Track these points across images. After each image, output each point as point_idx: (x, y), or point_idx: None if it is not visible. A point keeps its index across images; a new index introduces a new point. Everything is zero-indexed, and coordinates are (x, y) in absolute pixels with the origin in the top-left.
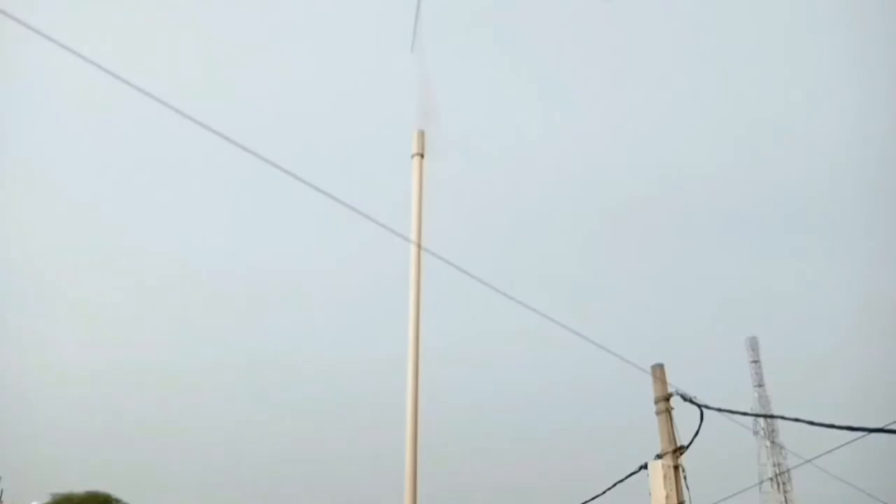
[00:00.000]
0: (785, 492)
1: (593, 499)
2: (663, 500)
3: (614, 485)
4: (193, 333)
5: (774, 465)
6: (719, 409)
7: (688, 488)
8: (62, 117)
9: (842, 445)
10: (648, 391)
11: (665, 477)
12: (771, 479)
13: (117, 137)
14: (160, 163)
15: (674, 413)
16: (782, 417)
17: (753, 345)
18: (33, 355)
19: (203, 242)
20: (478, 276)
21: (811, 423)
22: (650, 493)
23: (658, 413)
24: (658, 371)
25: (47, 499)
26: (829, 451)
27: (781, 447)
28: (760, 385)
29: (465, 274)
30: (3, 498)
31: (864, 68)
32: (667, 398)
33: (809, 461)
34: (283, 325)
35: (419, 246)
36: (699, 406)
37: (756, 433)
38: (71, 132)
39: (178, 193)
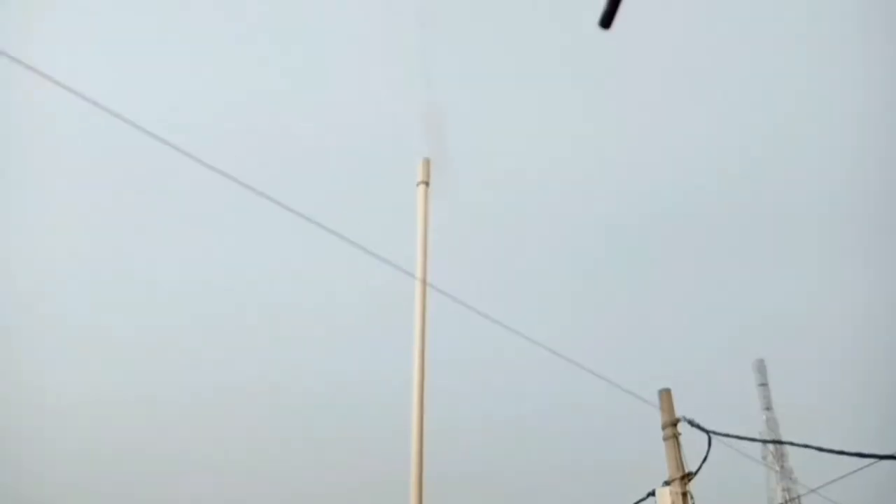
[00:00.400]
0: None
1: None
2: None
3: None
4: (194, 360)
5: (784, 491)
6: (727, 435)
7: None
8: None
9: (852, 472)
10: (656, 417)
11: None
12: None
13: (117, 169)
14: (167, 198)
15: (681, 439)
16: (791, 443)
17: (761, 368)
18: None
19: (207, 275)
20: (485, 313)
21: (820, 449)
22: None
23: (665, 439)
24: (665, 396)
25: None
26: (838, 479)
27: (791, 472)
28: (769, 408)
29: (471, 309)
30: None
31: (876, 86)
32: (674, 423)
33: (815, 490)
34: (283, 355)
35: (424, 282)
36: (707, 432)
37: (765, 458)
38: (61, 158)
39: (185, 225)
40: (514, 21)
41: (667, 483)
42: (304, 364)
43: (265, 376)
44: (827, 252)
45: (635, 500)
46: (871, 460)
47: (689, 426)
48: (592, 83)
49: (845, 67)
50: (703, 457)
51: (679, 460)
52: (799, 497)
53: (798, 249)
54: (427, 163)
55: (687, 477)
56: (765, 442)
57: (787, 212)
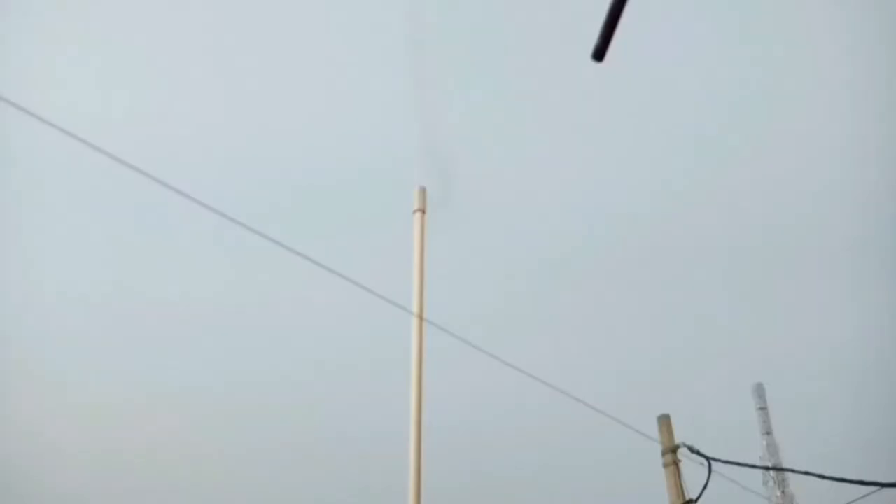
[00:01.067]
0: None
1: None
2: None
3: None
4: (183, 394)
5: None
6: (727, 462)
7: None
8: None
9: (855, 501)
10: (655, 444)
11: None
12: None
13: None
14: (154, 231)
15: (681, 465)
16: (792, 470)
17: (760, 391)
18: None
19: (194, 311)
20: (481, 346)
21: (822, 476)
22: None
23: (665, 465)
24: (664, 422)
25: None
26: None
27: (792, 498)
28: (769, 433)
29: (468, 343)
30: None
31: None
32: (674, 450)
33: None
34: (274, 392)
35: (420, 317)
36: (707, 458)
37: (766, 483)
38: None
39: (173, 261)
40: (516, 49)
41: None
42: (296, 398)
43: (255, 412)
44: (826, 276)
45: None
46: (873, 488)
47: (688, 452)
48: (596, 114)
49: (823, 92)
50: (703, 484)
51: (679, 487)
52: None
53: (797, 274)
54: (423, 191)
55: None
56: (765, 469)
57: (786, 236)
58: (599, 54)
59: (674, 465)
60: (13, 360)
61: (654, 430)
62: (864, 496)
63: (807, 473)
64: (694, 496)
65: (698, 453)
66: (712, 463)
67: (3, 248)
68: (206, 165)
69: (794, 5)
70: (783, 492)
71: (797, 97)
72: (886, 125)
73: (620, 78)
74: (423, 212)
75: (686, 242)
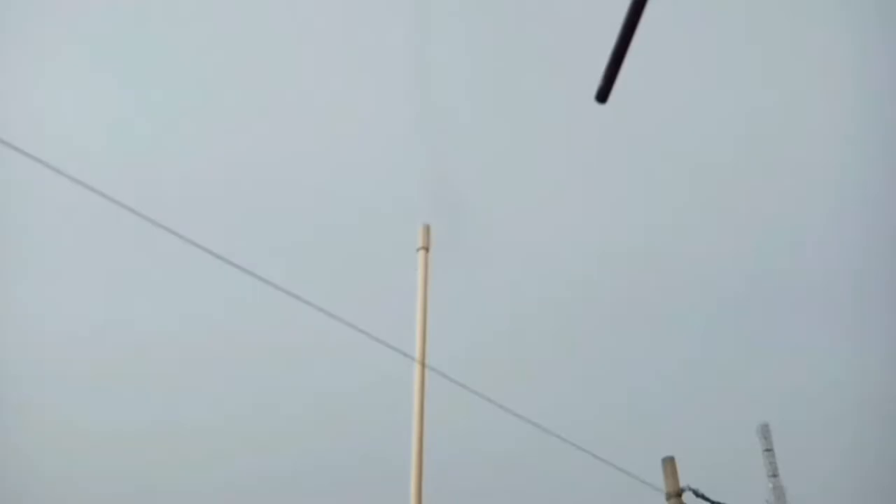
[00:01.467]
0: None
1: None
2: None
3: None
4: (185, 446)
5: None
6: None
7: None
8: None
9: None
10: (660, 490)
11: None
12: None
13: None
14: (147, 267)
15: None
16: None
17: (765, 432)
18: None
19: (190, 354)
20: (485, 394)
21: None
22: None
23: None
24: (668, 465)
25: None
26: None
27: None
28: (775, 475)
29: (471, 391)
30: None
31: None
32: (678, 494)
33: None
34: (272, 437)
35: (423, 364)
36: (713, 503)
37: None
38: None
39: (168, 300)
40: (523, 86)
41: None
42: (291, 440)
43: (250, 453)
44: (833, 316)
45: None
46: None
47: (693, 496)
48: (605, 154)
49: (825, 130)
50: None
51: None
52: None
53: (802, 313)
54: (427, 229)
55: None
56: None
57: (790, 274)
58: (603, 96)
59: None
60: (5, 394)
61: (657, 471)
62: None
63: None
64: None
65: (703, 497)
66: None
67: None
68: (201, 201)
69: (796, 54)
70: None
71: (800, 136)
72: (891, 159)
73: (629, 119)
74: (427, 250)
75: (692, 282)
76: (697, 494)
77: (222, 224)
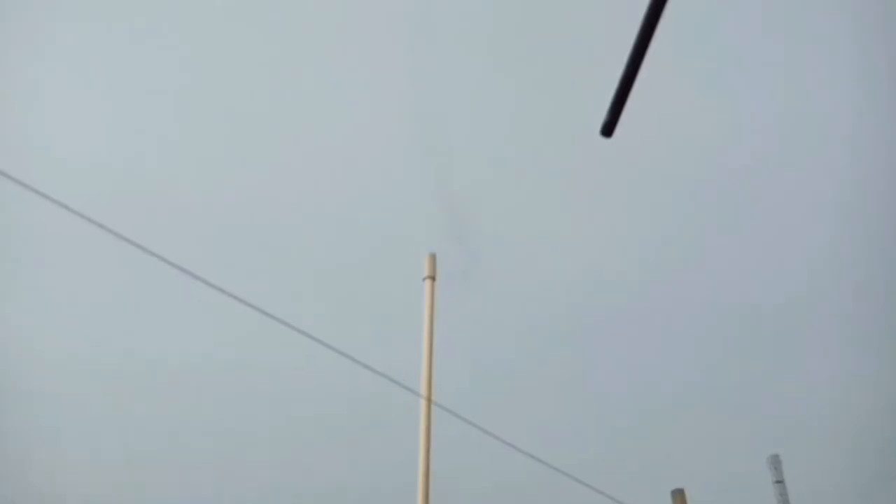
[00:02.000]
0: None
1: None
2: None
3: None
4: (178, 473)
5: None
6: None
7: None
8: None
9: None
10: None
11: None
12: None
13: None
14: (151, 299)
15: None
16: None
17: (776, 463)
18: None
19: (191, 384)
20: (492, 431)
21: None
22: None
23: None
24: (678, 497)
25: None
26: None
27: None
28: None
29: (480, 429)
30: None
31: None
32: None
33: None
34: (274, 472)
35: (429, 400)
36: None
37: None
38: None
39: (169, 331)
40: (532, 115)
41: None
42: (295, 481)
43: (249, 485)
44: (848, 343)
45: None
46: None
47: None
48: (615, 186)
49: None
50: None
51: None
52: None
53: (815, 340)
54: (433, 258)
55: None
56: None
57: (799, 301)
58: (608, 130)
59: None
60: (7, 421)
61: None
62: None
63: None
64: None
65: None
66: None
67: None
68: (201, 232)
69: (804, 72)
70: None
71: (804, 162)
72: None
73: (637, 147)
74: (434, 279)
75: (701, 310)
76: None
77: (224, 255)
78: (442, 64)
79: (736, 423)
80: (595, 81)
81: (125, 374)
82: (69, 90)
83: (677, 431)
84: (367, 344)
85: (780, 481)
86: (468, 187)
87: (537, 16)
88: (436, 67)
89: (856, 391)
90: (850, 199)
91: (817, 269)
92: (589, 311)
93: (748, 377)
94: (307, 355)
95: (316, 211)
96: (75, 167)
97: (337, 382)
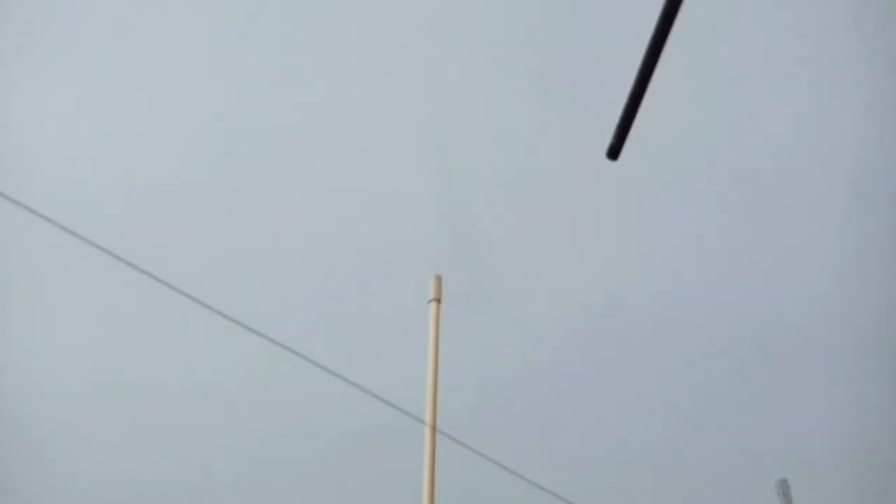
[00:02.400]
0: None
1: None
2: None
3: None
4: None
5: None
6: None
7: None
8: None
9: None
10: None
11: None
12: None
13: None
14: (153, 330)
15: None
16: None
17: (784, 488)
18: None
19: (193, 414)
20: (500, 461)
21: None
22: None
23: None
24: None
25: None
26: None
27: None
28: None
29: (485, 457)
30: None
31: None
32: None
33: None
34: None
35: (434, 428)
36: None
37: None
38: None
39: (175, 358)
40: (541, 139)
41: None
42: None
43: None
44: (855, 367)
45: None
46: None
47: None
48: (624, 213)
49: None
50: None
51: None
52: None
53: (822, 364)
54: (439, 280)
55: None
56: None
57: (807, 327)
58: (614, 153)
59: None
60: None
61: None
62: None
63: None
64: None
65: None
66: None
67: None
68: (205, 257)
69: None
70: None
71: (815, 175)
72: None
73: (647, 171)
74: (439, 301)
75: (710, 336)
76: None
77: (225, 278)
78: (452, 88)
79: (744, 447)
80: (605, 101)
81: (126, 401)
82: (74, 109)
83: (684, 456)
84: (371, 368)
85: None
86: (475, 208)
87: (548, 36)
88: (446, 91)
89: (866, 415)
90: (864, 219)
91: (829, 292)
92: (596, 338)
93: (757, 400)
94: (308, 381)
95: (319, 234)
96: (76, 189)
97: (339, 408)
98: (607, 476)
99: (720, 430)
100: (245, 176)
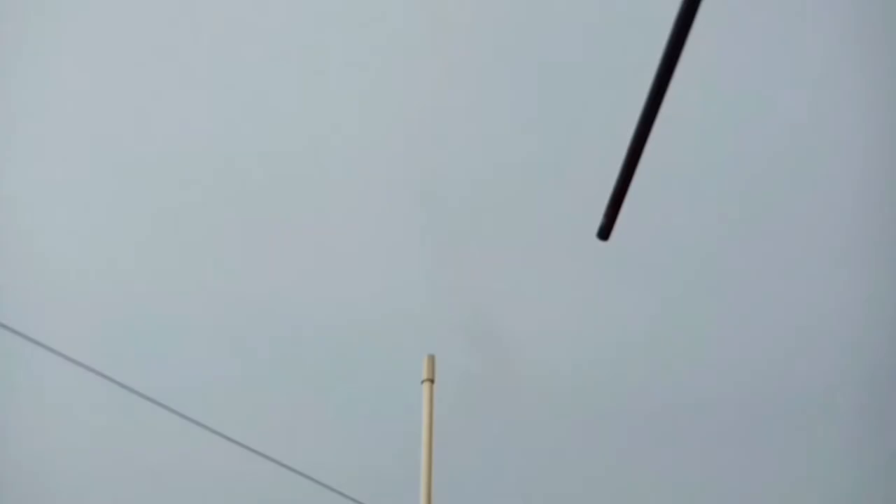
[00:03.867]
0: None
1: None
2: None
3: None
4: None
5: None
6: None
7: None
8: None
9: None
10: None
11: None
12: None
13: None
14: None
15: None
16: None
17: None
18: None
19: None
20: None
21: None
22: None
23: None
24: None
25: None
26: None
27: None
28: None
29: None
30: None
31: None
32: None
33: None
34: None
35: None
36: None
37: None
38: None
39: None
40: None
41: None
42: None
43: None
44: (848, 428)
45: None
46: None
47: None
48: (621, 285)
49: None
50: None
51: None
52: None
53: (810, 424)
54: (432, 359)
55: None
56: None
57: (799, 387)
58: (605, 234)
59: None
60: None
61: None
62: None
63: None
64: None
65: None
66: None
67: None
68: (182, 326)
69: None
70: None
71: (815, 204)
72: None
73: (639, 242)
74: (433, 381)
75: (707, 397)
76: None
77: (208, 352)
78: (447, 148)
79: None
80: (601, 165)
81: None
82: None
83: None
84: (362, 448)
85: None
86: (469, 288)
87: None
88: (439, 151)
89: (858, 469)
90: (873, 262)
91: (819, 353)
92: (592, 401)
93: (754, 471)
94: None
95: (304, 311)
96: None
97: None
98: None
99: (717, 495)
100: (228, 249)
